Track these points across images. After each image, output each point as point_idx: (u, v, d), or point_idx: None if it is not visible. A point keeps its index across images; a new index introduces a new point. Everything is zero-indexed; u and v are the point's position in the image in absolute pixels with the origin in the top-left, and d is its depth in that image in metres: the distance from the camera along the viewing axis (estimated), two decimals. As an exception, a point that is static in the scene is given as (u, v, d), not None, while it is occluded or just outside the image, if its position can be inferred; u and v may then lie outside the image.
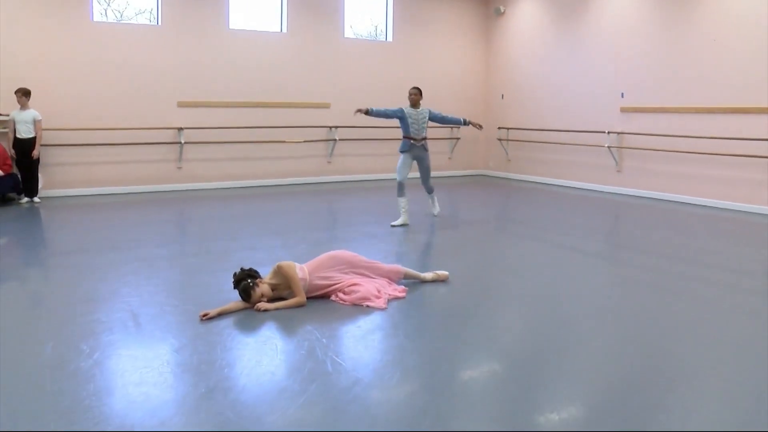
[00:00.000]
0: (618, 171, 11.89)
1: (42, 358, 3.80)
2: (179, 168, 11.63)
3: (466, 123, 8.57)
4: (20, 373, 3.60)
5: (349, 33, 13.15)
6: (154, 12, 11.47)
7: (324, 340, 4.16)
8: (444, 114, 8.61)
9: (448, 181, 13.57)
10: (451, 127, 14.19)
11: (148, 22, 11.52)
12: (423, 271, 5.53)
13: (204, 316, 4.46)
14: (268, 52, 12.18)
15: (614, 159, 11.81)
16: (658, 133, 10.99)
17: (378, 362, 3.77)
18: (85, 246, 7.10)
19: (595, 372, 3.72)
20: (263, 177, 12.32)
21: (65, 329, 4.28)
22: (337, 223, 9.25)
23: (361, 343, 4.09)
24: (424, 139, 8.35)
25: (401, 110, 8.25)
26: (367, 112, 8.01)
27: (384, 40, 13.63)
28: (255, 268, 4.96)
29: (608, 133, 11.79)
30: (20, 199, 10.12)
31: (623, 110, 11.67)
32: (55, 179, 10.67)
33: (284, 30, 12.37)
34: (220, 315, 4.53)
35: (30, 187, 10.08)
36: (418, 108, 8.28)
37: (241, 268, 4.86)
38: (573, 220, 9.15)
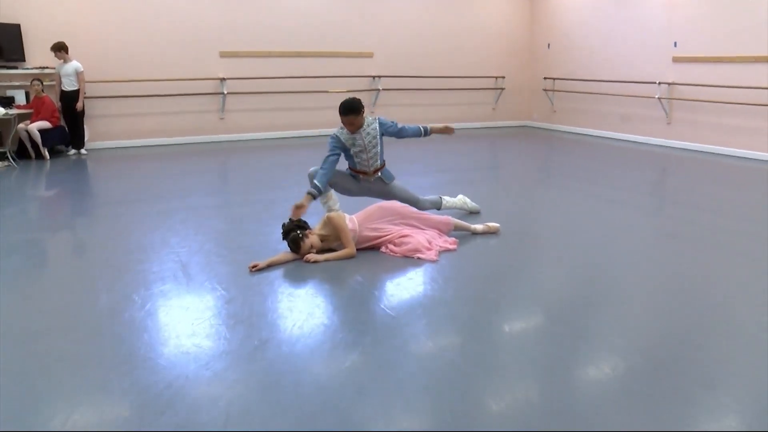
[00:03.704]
0: (668, 123, 11.51)
1: (97, 307, 3.82)
2: (221, 119, 11.61)
3: (427, 133, 5.67)
4: (78, 319, 3.63)
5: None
6: (195, -40, 11.32)
7: (375, 292, 4.10)
8: (399, 126, 5.63)
9: (491, 132, 13.35)
10: (496, 77, 13.89)
11: (189, -29, 11.38)
12: (472, 223, 5.43)
13: (253, 267, 4.43)
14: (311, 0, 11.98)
15: (664, 111, 11.43)
16: (711, 83, 10.54)
17: (431, 315, 3.70)
18: (132, 196, 7.14)
19: (645, 328, 3.60)
20: (306, 127, 12.24)
21: (118, 279, 4.30)
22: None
23: (413, 296, 4.03)
24: (380, 169, 5.60)
25: (335, 139, 5.42)
26: (316, 196, 5.24)
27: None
28: (303, 218, 4.91)
29: (659, 83, 11.38)
30: (68, 151, 10.22)
31: (675, 60, 11.22)
32: (99, 131, 10.74)
33: (326, -23, 12.14)
34: (270, 266, 4.50)
35: (76, 139, 10.17)
36: (362, 127, 5.44)
37: (290, 219, 4.81)
38: (620, 173, 8.91)
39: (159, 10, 10.86)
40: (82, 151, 10.23)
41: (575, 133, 13.10)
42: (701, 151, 10.68)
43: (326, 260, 4.64)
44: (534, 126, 14.31)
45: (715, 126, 10.68)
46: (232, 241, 5.29)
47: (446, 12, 13.17)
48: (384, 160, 5.65)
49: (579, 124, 13.30)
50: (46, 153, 9.67)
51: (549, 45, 13.85)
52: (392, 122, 5.60)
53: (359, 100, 5.40)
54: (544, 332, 3.52)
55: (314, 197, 5.20)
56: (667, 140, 11.47)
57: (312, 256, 4.61)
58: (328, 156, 5.36)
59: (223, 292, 4.06)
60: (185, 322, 3.58)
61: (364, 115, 5.42)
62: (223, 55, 11.39)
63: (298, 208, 4.98)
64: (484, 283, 4.30)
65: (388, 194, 5.59)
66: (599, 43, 12.66)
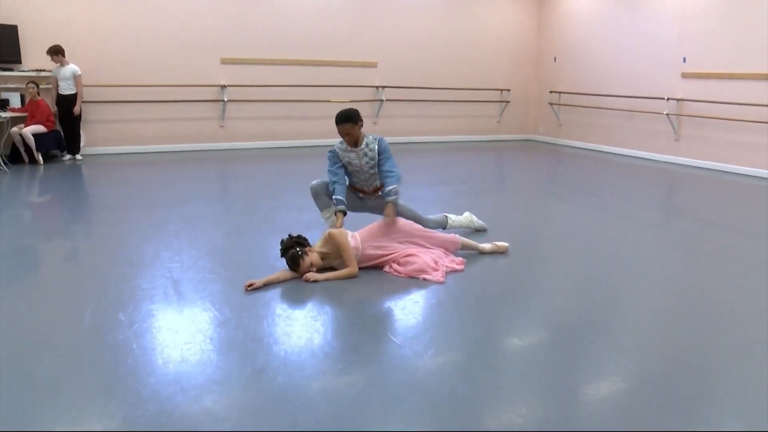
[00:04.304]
0: (676, 139, 11.29)
1: (80, 326, 3.56)
2: (222, 126, 11.37)
3: (384, 194, 4.98)
4: (59, 339, 3.36)
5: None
6: (198, -35, 11.11)
7: (379, 316, 3.84)
8: (387, 161, 5.04)
9: (496, 145, 13.12)
10: (501, 90, 13.68)
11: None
12: (479, 241, 5.18)
13: (249, 286, 4.17)
14: (315, 7, 11.77)
15: (672, 127, 11.20)
16: (721, 100, 10.33)
17: (439, 344, 3.43)
18: (126, 205, 6.89)
19: (654, 353, 3.34)
20: (306, 137, 12.00)
21: (105, 296, 4.04)
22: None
23: (419, 322, 3.76)
24: (381, 188, 5.13)
25: (333, 154, 5.13)
26: (345, 207, 5.06)
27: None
28: (302, 232, 4.66)
29: (667, 99, 11.16)
30: (63, 156, 9.97)
31: (684, 75, 11.01)
32: (96, 136, 10.50)
33: (331, -15, 11.93)
34: (267, 285, 4.24)
35: (72, 144, 9.93)
36: (360, 145, 5.04)
37: (289, 235, 4.55)
38: (628, 190, 8.67)
39: (159, 14, 10.65)
40: (78, 156, 9.98)
41: (581, 148, 12.87)
42: (710, 169, 10.45)
43: (327, 279, 4.38)
44: (539, 140, 14.08)
45: (724, 143, 10.46)
46: (228, 256, 5.03)
47: (452, 23, 12.96)
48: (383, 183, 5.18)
49: (585, 139, 13.07)
50: (40, 158, 9.42)
51: (555, 58, 13.65)
52: (388, 154, 5.06)
53: (356, 110, 5.04)
54: (556, 358, 3.26)
55: (345, 213, 5.00)
56: (675, 157, 11.24)
57: (312, 275, 4.35)
58: (333, 169, 5.11)
59: (216, 313, 3.79)
60: (174, 346, 3.32)
61: (364, 131, 5.05)
62: (224, 61, 11.17)
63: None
64: (494, 307, 4.04)
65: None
66: (606, 57, 12.45)
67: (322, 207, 5.32)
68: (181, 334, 3.48)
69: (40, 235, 5.83)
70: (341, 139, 5.08)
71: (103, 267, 4.67)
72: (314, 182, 5.31)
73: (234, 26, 11.16)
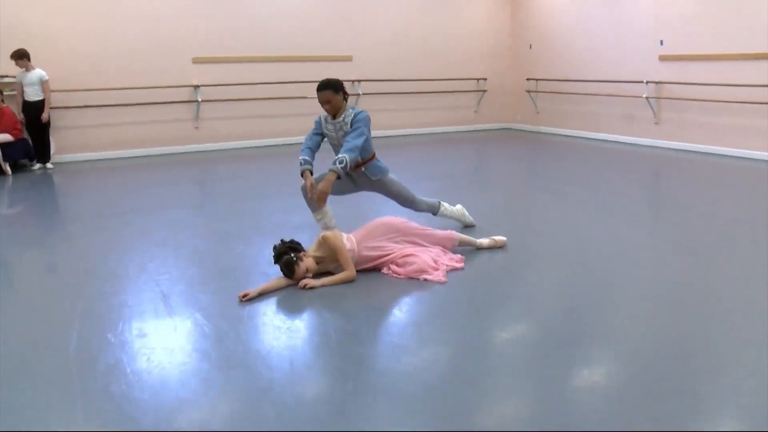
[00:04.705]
0: (656, 123, 11.24)
1: (66, 350, 3.31)
2: (196, 128, 11.08)
3: (333, 163, 4.61)
4: (43, 366, 3.13)
5: (370, -20, 12.41)
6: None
7: (383, 322, 3.67)
8: (352, 134, 4.72)
9: (473, 136, 12.97)
10: (478, 80, 13.54)
11: (158, -27, 10.85)
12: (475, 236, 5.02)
13: (244, 296, 3.97)
14: (288, 3, 11.49)
15: (652, 110, 11.15)
16: (699, 82, 10.28)
17: (448, 355, 3.26)
18: (104, 214, 6.61)
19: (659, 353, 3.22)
20: (284, 135, 11.73)
21: (90, 315, 3.81)
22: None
23: (424, 328, 3.59)
24: (364, 164, 4.94)
25: (317, 122, 4.99)
26: (310, 166, 4.81)
27: (406, -13, 12.89)
28: (292, 235, 4.50)
29: (646, 82, 11.10)
30: (32, 165, 9.61)
31: (662, 58, 10.96)
32: (67, 143, 10.15)
33: (303, -21, 11.68)
34: (262, 294, 4.04)
35: (42, 152, 9.58)
36: (339, 117, 4.84)
37: (282, 240, 4.35)
38: (611, 175, 8.61)
39: (127, 14, 10.31)
40: (48, 165, 9.64)
41: (560, 135, 12.77)
42: (690, 151, 10.41)
43: (324, 285, 4.18)
44: (517, 128, 13.96)
45: (704, 125, 10.43)
46: (217, 264, 4.81)
47: (426, 14, 12.77)
48: (372, 153, 4.97)
49: (563, 126, 12.97)
50: (8, 168, 9.07)
51: (531, 46, 13.53)
52: (359, 125, 4.75)
53: (340, 80, 4.85)
54: (567, 358, 3.11)
55: (311, 172, 4.76)
56: (655, 140, 11.19)
57: (308, 282, 4.16)
58: (310, 134, 4.97)
59: (212, 327, 3.58)
60: (171, 367, 3.11)
61: (347, 103, 4.85)
62: (197, 61, 10.87)
63: (322, 193, 4.58)
64: (502, 308, 3.89)
65: (378, 190, 5.11)
66: (583, 42, 12.35)
67: (314, 209, 5.06)
68: (176, 353, 3.27)
69: (13, 250, 5.48)
70: None
71: (85, 282, 4.43)
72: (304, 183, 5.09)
73: (205, 24, 10.86)
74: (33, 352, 3.33)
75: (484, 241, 4.97)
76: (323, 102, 4.80)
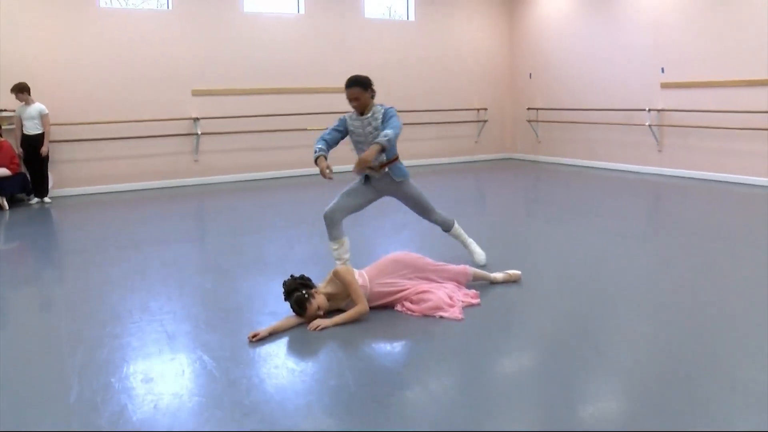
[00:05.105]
0: (659, 150, 11.16)
1: (67, 399, 3.11)
2: (196, 161, 10.95)
3: (389, 142, 4.62)
4: (44, 418, 2.94)
5: (369, 13, 12.38)
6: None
7: (400, 363, 3.49)
8: (389, 119, 4.77)
9: (476, 166, 12.88)
10: (478, 109, 13.48)
11: (157, 7, 10.80)
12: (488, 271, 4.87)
13: (254, 337, 3.79)
14: (286, 34, 11.47)
15: (655, 138, 11.08)
16: (701, 109, 10.25)
17: (473, 389, 3.09)
18: (103, 250, 6.42)
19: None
20: (284, 167, 11.63)
21: (92, 357, 3.62)
22: (376, 214, 8.49)
23: (449, 368, 3.41)
24: (388, 164, 4.94)
25: (341, 120, 4.92)
26: (325, 153, 4.83)
27: (405, 19, 12.87)
28: (296, 268, 4.36)
29: (648, 110, 11.05)
30: (30, 199, 9.45)
31: (664, 86, 10.92)
32: (65, 177, 10.01)
33: (301, 11, 11.65)
34: (272, 335, 3.86)
35: (40, 186, 9.43)
36: (367, 114, 4.81)
37: (291, 276, 4.18)
38: (617, 204, 8.55)
39: (127, 47, 10.24)
40: (46, 199, 9.48)
41: (562, 164, 12.69)
42: (695, 178, 10.33)
43: (336, 324, 4.00)
44: (518, 158, 13.89)
45: (706, 152, 10.38)
46: (222, 302, 4.63)
47: (425, 45, 12.76)
48: (396, 155, 4.97)
49: (565, 154, 12.90)
50: (5, 203, 8.91)
51: (531, 75, 13.51)
52: (391, 115, 4.81)
53: (368, 77, 4.83)
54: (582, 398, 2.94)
55: (326, 157, 4.78)
56: (658, 168, 11.11)
57: (319, 323, 3.97)
58: (329, 129, 4.94)
59: (221, 371, 3.39)
60: (182, 417, 2.92)
61: (374, 101, 4.84)
62: (196, 93, 10.78)
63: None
64: (521, 346, 3.72)
65: (398, 196, 5.07)
66: (583, 71, 12.33)
67: (333, 237, 4.94)
68: (186, 400, 3.08)
69: (9, 287, 5.29)
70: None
71: (85, 323, 4.23)
72: (328, 208, 4.96)
73: (204, 57, 10.80)
74: (30, 402, 3.13)
75: (499, 275, 4.81)
76: (351, 99, 4.78)
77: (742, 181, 9.75)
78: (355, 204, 5.02)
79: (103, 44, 10.09)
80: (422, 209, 5.14)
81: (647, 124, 11.07)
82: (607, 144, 12.06)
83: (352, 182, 5.06)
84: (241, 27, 11.08)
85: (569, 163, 12.71)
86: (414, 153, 12.80)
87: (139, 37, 10.33)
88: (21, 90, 9.07)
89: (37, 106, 9.23)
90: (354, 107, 4.82)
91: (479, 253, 5.32)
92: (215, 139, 11.01)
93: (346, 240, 4.98)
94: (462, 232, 5.36)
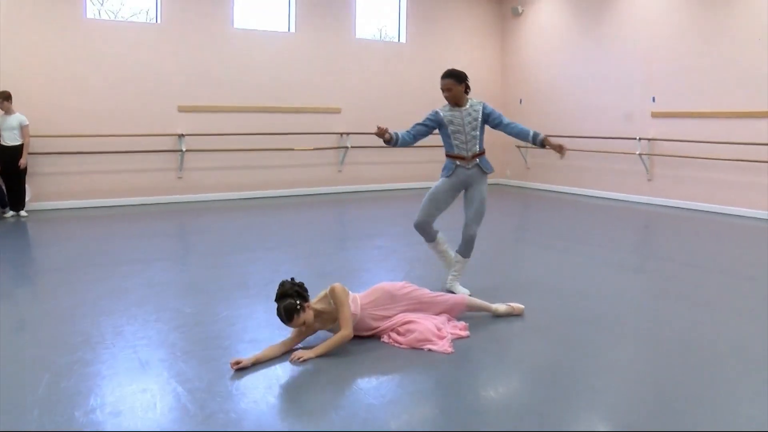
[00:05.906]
0: (649, 180, 11.10)
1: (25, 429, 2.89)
2: (180, 178, 10.73)
3: (536, 140, 4.97)
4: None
5: (360, 33, 12.29)
6: (151, 12, 10.59)
7: (389, 400, 3.27)
8: (507, 120, 5.08)
9: (465, 191, 12.71)
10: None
11: (146, 20, 10.63)
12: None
13: (236, 364, 3.57)
14: (276, 53, 11.33)
15: (645, 167, 11.02)
16: (693, 139, 10.24)
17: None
18: (79, 268, 6.17)
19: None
20: (270, 187, 11.43)
21: (57, 385, 3.37)
22: (356, 235, 8.32)
23: (441, 406, 3.21)
24: (479, 155, 5.10)
25: (433, 113, 5.04)
26: (390, 141, 4.92)
27: (396, 41, 12.79)
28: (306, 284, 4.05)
29: (639, 139, 10.99)
30: (5, 213, 9.18)
31: (654, 115, 10.88)
32: (44, 190, 9.73)
33: (292, 29, 11.52)
34: (255, 364, 3.64)
35: (16, 199, 9.16)
36: (464, 106, 5.04)
37: (292, 279, 3.94)
38: (608, 233, 8.45)
39: (113, 60, 10.05)
40: (22, 212, 9.21)
41: (550, 191, 12.59)
42: (685, 208, 10.28)
43: (318, 355, 3.78)
44: (507, 184, 13.78)
45: (696, 182, 10.37)
46: (201, 328, 4.39)
47: (415, 69, 12.67)
48: (484, 149, 5.13)
49: (554, 182, 12.81)
50: (-21, 216, 8.65)
51: (521, 101, 13.45)
52: (498, 113, 5.11)
53: (464, 72, 5.10)
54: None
55: (390, 141, 4.89)
56: (648, 197, 11.06)
57: (301, 354, 3.75)
58: (417, 123, 5.05)
59: (196, 405, 3.16)
60: (149, 455, 2.70)
61: (468, 95, 5.05)
62: (182, 109, 10.59)
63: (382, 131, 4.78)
64: (512, 382, 3.53)
65: (476, 188, 5.11)
66: (574, 98, 12.29)
67: (430, 239, 5.21)
68: (157, 438, 2.85)
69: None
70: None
71: (53, 347, 3.97)
72: (417, 218, 5.16)
73: (192, 72, 10.62)
74: (-10, 433, 2.90)
75: (501, 307, 4.62)
76: (444, 89, 4.99)
77: (732, 213, 9.72)
78: (443, 204, 5.15)
79: (88, 56, 9.90)
80: (479, 213, 5.15)
81: (638, 153, 11.01)
82: (596, 172, 11.99)
83: (434, 185, 5.20)
84: (231, 43, 10.93)
85: (558, 190, 12.62)
86: (404, 176, 12.66)
87: (126, 50, 10.14)
88: (6, 98, 8.92)
89: (17, 117, 9.00)
90: (446, 98, 5.02)
91: (462, 289, 5.14)
92: (200, 157, 10.80)
93: (441, 237, 5.25)
94: (449, 251, 5.35)
